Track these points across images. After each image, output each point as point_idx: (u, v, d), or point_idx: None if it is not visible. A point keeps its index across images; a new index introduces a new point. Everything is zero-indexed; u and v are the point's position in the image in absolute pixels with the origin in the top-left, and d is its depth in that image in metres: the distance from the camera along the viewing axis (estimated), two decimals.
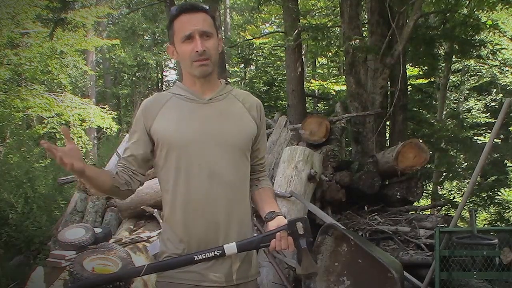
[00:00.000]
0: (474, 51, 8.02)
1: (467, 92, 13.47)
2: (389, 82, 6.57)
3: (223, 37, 13.29)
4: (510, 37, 9.06)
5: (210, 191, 1.54)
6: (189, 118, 1.57)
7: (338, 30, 9.51)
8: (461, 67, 12.45)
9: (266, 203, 1.67)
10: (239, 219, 1.59)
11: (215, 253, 1.49)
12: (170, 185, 1.58)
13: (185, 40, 1.54)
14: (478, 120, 12.14)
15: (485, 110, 12.43)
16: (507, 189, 9.70)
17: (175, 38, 1.58)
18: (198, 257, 1.49)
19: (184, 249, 1.56)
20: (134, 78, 19.77)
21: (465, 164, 11.02)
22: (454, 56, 9.23)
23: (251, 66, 15.83)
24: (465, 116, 12.56)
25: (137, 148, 1.61)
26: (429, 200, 10.57)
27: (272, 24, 16.48)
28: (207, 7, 1.60)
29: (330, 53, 10.59)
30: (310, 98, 13.13)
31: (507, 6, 6.62)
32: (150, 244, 3.40)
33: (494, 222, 10.00)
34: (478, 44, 7.91)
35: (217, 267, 1.55)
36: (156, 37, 19.94)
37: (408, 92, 8.48)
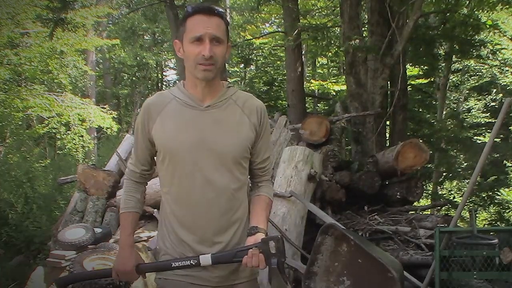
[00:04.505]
0: (474, 51, 8.03)
1: (467, 92, 13.46)
2: (389, 82, 6.56)
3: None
4: (510, 37, 9.05)
5: (203, 198, 1.56)
6: (186, 125, 1.57)
7: (338, 30, 9.50)
8: (461, 67, 12.44)
9: (255, 216, 1.64)
10: (233, 226, 1.60)
11: (191, 262, 1.54)
12: (167, 188, 1.62)
13: (194, 40, 1.52)
14: (478, 120, 12.13)
15: (485, 110, 12.42)
16: (507, 189, 9.69)
17: (185, 36, 1.55)
18: (175, 264, 1.55)
19: (180, 249, 1.60)
20: (134, 78, 19.77)
21: (465, 164, 11.01)
22: (454, 56, 9.23)
23: (251, 66, 15.83)
24: (465, 116, 12.55)
25: (145, 148, 1.66)
26: (429, 200, 10.56)
27: (272, 24, 16.47)
28: (223, 11, 1.57)
29: (330, 53, 10.60)
30: (310, 98, 13.13)
31: (507, 6, 6.61)
32: (150, 241, 3.42)
33: (494, 222, 10.00)
34: (478, 44, 7.91)
35: (212, 266, 1.57)
36: (156, 37, 19.93)
37: (408, 92, 8.47)
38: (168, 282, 1.58)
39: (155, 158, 1.69)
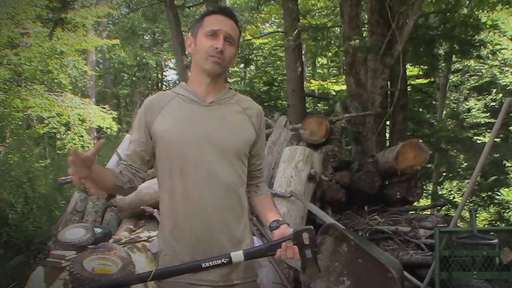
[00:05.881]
0: (474, 51, 8.03)
1: (467, 92, 13.47)
2: (389, 82, 6.56)
3: None
4: (510, 37, 9.06)
5: (206, 192, 1.56)
6: (189, 119, 1.59)
7: (338, 30, 9.51)
8: (461, 67, 12.45)
9: (269, 211, 1.71)
10: (233, 220, 1.61)
11: (222, 261, 1.53)
12: (167, 185, 1.61)
13: (210, 34, 1.59)
14: (478, 120, 12.14)
15: (485, 110, 12.43)
16: (507, 189, 9.70)
17: (200, 30, 1.62)
18: (205, 264, 1.52)
19: (180, 248, 1.58)
20: (134, 78, 19.76)
21: (465, 164, 11.02)
22: (454, 56, 9.23)
23: (251, 66, 15.84)
24: (465, 116, 12.56)
25: (139, 145, 1.64)
26: (429, 200, 10.57)
27: (272, 24, 16.48)
28: (239, 20, 1.67)
29: (330, 53, 10.60)
30: (310, 98, 13.13)
31: (507, 6, 6.61)
32: (150, 243, 3.41)
33: (494, 222, 10.01)
34: (478, 44, 7.92)
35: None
36: (156, 37, 19.94)
37: (408, 92, 8.47)
38: (167, 283, 1.57)
39: (146, 161, 1.66)
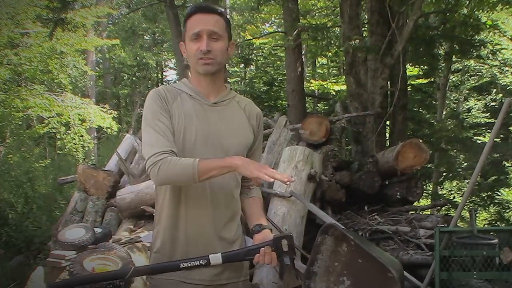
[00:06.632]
0: (474, 51, 8.03)
1: (467, 92, 13.47)
2: (389, 82, 6.56)
3: None
4: (510, 37, 9.06)
5: (203, 190, 1.58)
6: (196, 118, 1.60)
7: (338, 30, 9.51)
8: (461, 67, 12.45)
9: (254, 215, 1.71)
10: (227, 222, 1.63)
11: (201, 262, 1.53)
12: None
13: (193, 38, 1.58)
14: (478, 120, 12.15)
15: (485, 110, 12.44)
16: (507, 189, 9.70)
17: (186, 35, 1.61)
18: (183, 265, 1.53)
19: (173, 246, 1.59)
20: (134, 78, 19.76)
21: (465, 164, 11.03)
22: (454, 56, 9.23)
23: (251, 66, 15.83)
24: (465, 116, 12.57)
25: (171, 132, 1.56)
26: (429, 200, 10.57)
27: (272, 24, 16.48)
28: (222, 10, 1.64)
29: (330, 53, 10.61)
30: (310, 98, 13.13)
31: (507, 6, 6.61)
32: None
33: (494, 222, 10.02)
34: (478, 44, 7.92)
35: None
36: (156, 37, 19.93)
37: (408, 92, 8.47)
38: (159, 281, 1.59)
39: None
